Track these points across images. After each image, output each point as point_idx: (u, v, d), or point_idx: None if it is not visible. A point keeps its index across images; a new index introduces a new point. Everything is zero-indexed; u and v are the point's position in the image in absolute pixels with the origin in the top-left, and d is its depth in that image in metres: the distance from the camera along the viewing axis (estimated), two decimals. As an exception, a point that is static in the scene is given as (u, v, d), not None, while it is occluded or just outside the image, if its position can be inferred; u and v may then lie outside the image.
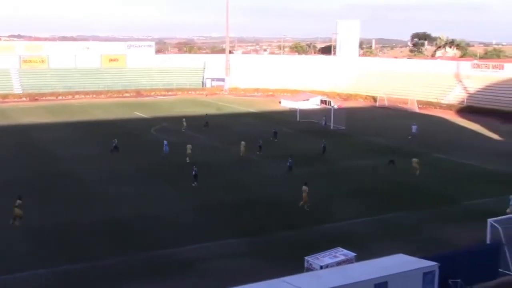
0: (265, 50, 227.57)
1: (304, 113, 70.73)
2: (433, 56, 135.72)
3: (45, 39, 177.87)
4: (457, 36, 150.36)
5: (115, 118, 70.39)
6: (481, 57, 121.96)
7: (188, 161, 44.56)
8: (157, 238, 28.40)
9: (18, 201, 30.17)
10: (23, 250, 26.80)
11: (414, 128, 58.41)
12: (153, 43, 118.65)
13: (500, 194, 35.70)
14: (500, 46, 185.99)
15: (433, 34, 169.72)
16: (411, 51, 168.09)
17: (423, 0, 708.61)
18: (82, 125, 64.88)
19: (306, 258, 21.88)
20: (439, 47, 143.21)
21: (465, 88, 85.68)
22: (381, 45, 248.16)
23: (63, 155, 47.91)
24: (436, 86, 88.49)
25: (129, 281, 23.54)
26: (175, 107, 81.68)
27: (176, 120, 66.71)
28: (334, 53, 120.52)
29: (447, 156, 47.45)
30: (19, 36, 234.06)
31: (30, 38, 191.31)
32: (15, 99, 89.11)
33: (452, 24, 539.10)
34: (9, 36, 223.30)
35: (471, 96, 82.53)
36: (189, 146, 46.72)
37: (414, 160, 42.12)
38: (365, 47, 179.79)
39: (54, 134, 58.00)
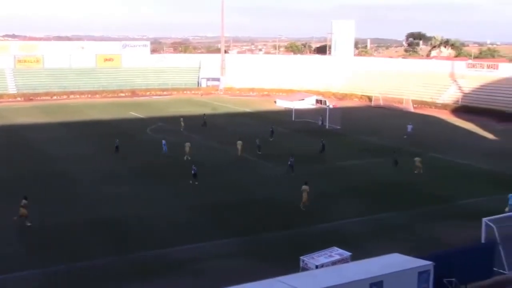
0: (260, 50, 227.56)
1: (300, 112, 70.75)
2: (428, 55, 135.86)
3: (40, 39, 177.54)
4: (452, 36, 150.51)
5: (110, 118, 70.27)
6: (475, 57, 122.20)
7: (187, 159, 44.74)
8: (152, 238, 28.38)
9: (24, 201, 30.09)
10: (18, 250, 26.76)
11: (409, 127, 58.53)
12: (148, 43, 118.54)
13: (495, 193, 35.90)
14: (495, 46, 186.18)
15: (428, 34, 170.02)
16: (406, 50, 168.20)
17: (418, 0, 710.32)
18: (77, 125, 64.75)
19: (301, 257, 21.89)
20: (434, 46, 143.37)
21: (460, 88, 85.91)
22: (376, 45, 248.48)
23: (58, 155, 47.82)
24: (431, 85, 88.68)
25: (124, 281, 23.52)
26: (171, 107, 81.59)
27: (171, 120, 66.72)
28: (329, 53, 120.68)
29: (442, 156, 47.58)
30: (13, 36, 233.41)
31: (24, 38, 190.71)
32: (10, 99, 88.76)
33: (447, 23, 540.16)
34: (3, 36, 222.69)
35: (466, 95, 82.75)
36: (187, 144, 46.85)
37: (417, 159, 42.05)
38: (360, 47, 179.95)
39: (49, 134, 57.87)
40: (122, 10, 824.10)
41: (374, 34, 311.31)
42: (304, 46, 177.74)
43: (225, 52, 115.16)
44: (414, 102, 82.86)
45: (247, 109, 79.78)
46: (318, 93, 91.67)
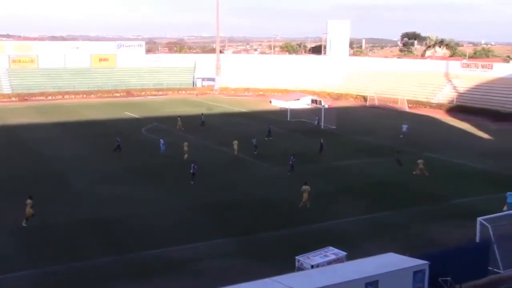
0: (255, 49, 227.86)
1: (295, 112, 70.80)
2: (422, 55, 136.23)
3: (35, 39, 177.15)
4: (447, 36, 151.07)
5: (105, 118, 70.17)
6: (470, 57, 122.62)
7: (185, 158, 44.87)
8: (151, 237, 28.33)
9: (29, 201, 30.10)
10: (16, 250, 26.68)
11: (404, 127, 58.64)
12: (143, 43, 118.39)
13: (490, 193, 36.05)
14: (489, 45, 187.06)
15: (423, 34, 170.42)
16: (401, 50, 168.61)
17: (413, 0, 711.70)
18: (72, 125, 64.62)
19: (297, 257, 21.88)
20: (429, 46, 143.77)
21: (454, 88, 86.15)
22: (371, 45, 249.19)
23: (53, 155, 47.70)
24: (426, 85, 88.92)
25: (120, 281, 23.47)
26: (166, 107, 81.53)
27: (166, 120, 66.70)
28: (325, 53, 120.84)
29: (437, 155, 47.67)
30: (8, 36, 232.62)
31: (19, 38, 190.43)
32: (4, 99, 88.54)
33: (442, 23, 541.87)
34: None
35: (460, 95, 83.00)
36: (185, 144, 46.92)
37: (421, 161, 41.74)
38: (355, 47, 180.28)
39: (44, 134, 57.73)
40: (117, 10, 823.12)
41: (369, 34, 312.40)
42: (299, 46, 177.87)
43: (220, 52, 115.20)
44: (409, 102, 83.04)
45: (243, 109, 79.77)
46: (313, 93, 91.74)
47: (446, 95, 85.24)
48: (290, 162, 42.16)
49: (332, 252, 22.46)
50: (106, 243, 27.88)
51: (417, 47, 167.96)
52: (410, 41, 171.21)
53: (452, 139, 58.07)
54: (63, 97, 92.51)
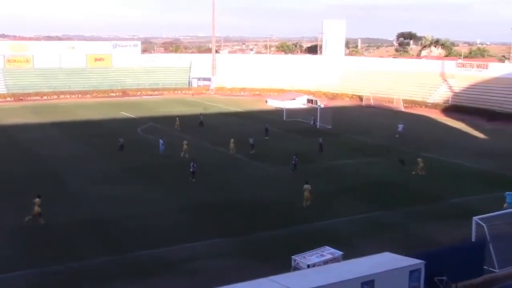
0: (251, 49, 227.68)
1: (291, 112, 70.81)
2: (418, 55, 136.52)
3: (30, 38, 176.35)
4: (442, 36, 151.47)
5: (101, 118, 70.02)
6: (465, 57, 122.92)
7: (183, 156, 45.08)
8: (147, 237, 28.29)
9: (37, 199, 30.17)
10: (10, 250, 26.57)
11: (400, 127, 58.66)
12: (139, 43, 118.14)
13: (485, 192, 36.14)
14: (485, 45, 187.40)
15: (419, 34, 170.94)
16: (396, 50, 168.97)
17: (408, 0, 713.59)
18: (67, 125, 64.42)
19: (293, 257, 21.89)
20: (424, 46, 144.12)
21: (450, 87, 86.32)
22: (366, 45, 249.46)
23: (49, 156, 47.55)
24: (422, 85, 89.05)
25: (118, 281, 23.44)
26: (162, 107, 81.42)
27: (162, 120, 66.63)
28: (320, 53, 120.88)
29: (433, 155, 47.69)
30: (3, 36, 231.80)
31: (14, 38, 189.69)
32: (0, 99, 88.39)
33: (437, 23, 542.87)
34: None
35: (456, 95, 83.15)
36: (185, 142, 47.08)
37: (420, 159, 41.71)
38: (351, 47, 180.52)
39: (39, 135, 57.55)
40: (112, 10, 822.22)
41: (365, 34, 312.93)
42: (295, 46, 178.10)
43: (216, 52, 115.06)
44: (405, 101, 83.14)
45: (239, 109, 79.73)
46: (309, 92, 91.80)
47: (441, 94, 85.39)
48: (293, 162, 42.16)
49: (328, 252, 22.49)
50: (104, 243, 27.83)
51: (413, 47, 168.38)
52: (405, 41, 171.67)
53: (447, 138, 58.15)
54: (59, 97, 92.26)
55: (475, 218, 24.02)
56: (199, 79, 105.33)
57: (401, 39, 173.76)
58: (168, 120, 65.78)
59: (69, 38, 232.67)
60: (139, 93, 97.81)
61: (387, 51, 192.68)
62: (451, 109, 78.30)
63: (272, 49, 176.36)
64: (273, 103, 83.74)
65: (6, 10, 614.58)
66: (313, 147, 49.68)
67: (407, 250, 21.15)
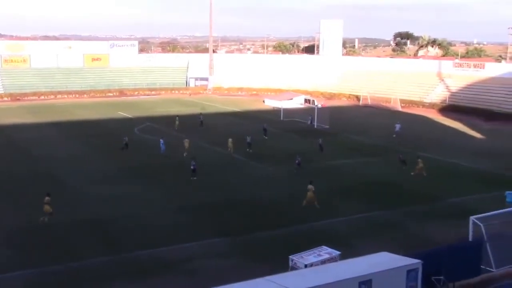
0: (248, 49, 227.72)
1: (288, 112, 70.88)
2: (415, 55, 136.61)
3: (27, 38, 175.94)
4: (439, 36, 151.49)
5: (98, 118, 70.00)
6: (462, 56, 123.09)
7: (186, 155, 45.56)
8: (146, 237, 28.33)
9: (47, 198, 30.34)
10: (7, 251, 26.58)
11: (397, 127, 58.77)
12: (136, 43, 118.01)
13: (483, 192, 36.28)
14: (481, 45, 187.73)
15: (416, 34, 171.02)
16: (393, 50, 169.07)
17: (405, 0, 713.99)
18: (65, 125, 64.40)
19: (290, 257, 21.95)
20: (422, 46, 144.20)
21: (447, 87, 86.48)
22: (364, 44, 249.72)
23: (47, 156, 47.54)
24: (419, 85, 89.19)
25: (117, 281, 23.49)
26: (159, 106, 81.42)
27: (159, 120, 66.65)
28: (318, 53, 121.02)
29: (431, 155, 47.79)
30: (0, 35, 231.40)
31: (11, 38, 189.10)
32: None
33: (434, 23, 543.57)
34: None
35: (453, 95, 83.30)
36: (186, 141, 47.40)
37: (420, 160, 41.60)
38: (348, 47, 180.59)
39: (36, 134, 57.53)
40: (109, 10, 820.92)
41: (362, 33, 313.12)
42: (292, 46, 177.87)
43: (214, 51, 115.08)
44: (402, 101, 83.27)
45: (236, 109, 79.77)
46: (306, 92, 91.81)
47: (438, 94, 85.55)
48: (297, 161, 42.31)
49: (325, 252, 22.54)
50: (103, 243, 27.87)
51: (410, 46, 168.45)
52: (402, 41, 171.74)
53: (445, 138, 58.28)
54: (56, 97, 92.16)
55: (472, 217, 24.14)
56: (196, 79, 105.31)
57: (398, 39, 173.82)
58: (165, 120, 65.82)
59: (66, 38, 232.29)
60: (136, 93, 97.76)
61: (384, 51, 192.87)
62: (448, 109, 78.46)
63: (270, 49, 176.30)
64: (271, 103, 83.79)
65: (3, 9, 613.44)
66: (312, 147, 49.73)
67: (405, 250, 21.23)
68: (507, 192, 32.70)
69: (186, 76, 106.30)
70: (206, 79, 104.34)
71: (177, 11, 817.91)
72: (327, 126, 62.78)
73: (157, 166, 43.58)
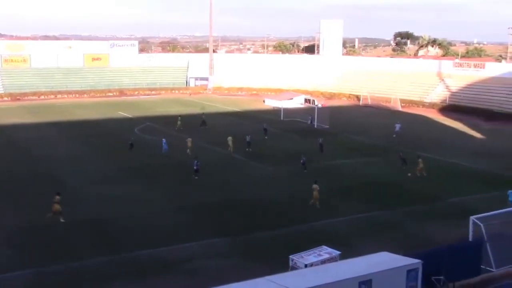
0: (248, 49, 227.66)
1: (288, 112, 70.87)
2: (415, 55, 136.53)
3: (27, 38, 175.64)
4: (439, 35, 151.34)
5: (98, 118, 70.00)
6: (462, 56, 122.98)
7: (189, 153, 45.90)
8: (146, 237, 28.34)
9: (57, 197, 30.40)
10: (7, 251, 26.58)
11: (397, 126, 58.75)
12: (136, 42, 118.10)
13: (483, 192, 36.29)
14: (482, 45, 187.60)
15: (416, 33, 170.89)
16: (394, 50, 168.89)
17: (405, 0, 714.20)
18: (65, 125, 64.40)
19: (290, 256, 21.96)
20: (422, 46, 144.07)
21: (447, 87, 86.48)
22: (364, 44, 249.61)
23: (47, 156, 47.53)
24: (419, 85, 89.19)
25: (117, 281, 23.49)
26: (159, 106, 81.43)
27: (159, 120, 66.65)
28: (318, 52, 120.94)
29: (431, 155, 47.77)
30: (0, 35, 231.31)
31: (11, 37, 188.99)
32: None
33: (434, 23, 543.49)
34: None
35: (453, 94, 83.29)
36: (189, 140, 47.70)
37: (420, 160, 41.44)
38: (348, 46, 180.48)
39: (36, 134, 57.51)
40: (109, 10, 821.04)
41: (362, 33, 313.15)
42: (293, 46, 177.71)
43: (214, 51, 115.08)
44: (402, 101, 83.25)
45: (236, 109, 79.77)
46: (306, 92, 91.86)
47: (438, 94, 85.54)
48: (302, 161, 42.33)
49: (325, 252, 22.55)
50: (103, 243, 27.85)
51: (410, 46, 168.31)
52: (403, 41, 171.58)
53: (445, 138, 58.27)
54: (56, 96, 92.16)
55: (472, 217, 24.14)
56: (196, 78, 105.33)
57: (398, 38, 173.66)
58: (165, 120, 65.83)
59: (66, 37, 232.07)
60: (136, 92, 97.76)
61: (384, 51, 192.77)
62: (449, 109, 78.45)
63: (270, 48, 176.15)
64: (271, 103, 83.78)
65: (3, 9, 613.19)
66: (312, 147, 49.71)
67: (405, 250, 21.23)
68: (510, 191, 32.72)
69: (186, 76, 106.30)
70: (206, 79, 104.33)
71: (177, 11, 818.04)
72: (327, 126, 62.77)
73: (157, 166, 43.58)
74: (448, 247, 22.43)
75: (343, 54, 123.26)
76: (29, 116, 71.42)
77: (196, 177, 39.41)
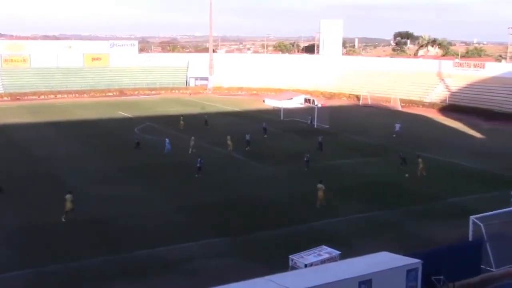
0: (248, 49, 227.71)
1: (288, 112, 70.86)
2: (415, 55, 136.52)
3: (27, 38, 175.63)
4: (439, 35, 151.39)
5: (98, 118, 70.00)
6: (462, 56, 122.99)
7: (191, 152, 46.57)
8: (146, 237, 28.33)
9: (68, 195, 30.52)
10: (7, 250, 26.59)
11: (397, 126, 58.75)
12: (136, 42, 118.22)
13: (483, 191, 36.28)
14: (481, 45, 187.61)
15: (416, 33, 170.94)
16: (393, 50, 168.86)
17: (405, 0, 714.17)
18: (65, 125, 64.41)
19: (290, 256, 21.94)
20: (422, 46, 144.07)
21: (447, 87, 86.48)
22: (364, 44, 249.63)
23: (46, 156, 47.53)
24: (419, 84, 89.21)
25: (117, 281, 23.49)
26: (159, 106, 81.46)
27: (159, 119, 66.66)
28: (318, 52, 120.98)
29: (430, 155, 47.76)
30: (0, 35, 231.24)
31: (11, 37, 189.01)
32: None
33: (434, 23, 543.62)
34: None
35: (453, 94, 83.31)
36: (192, 138, 48.12)
37: (420, 160, 41.31)
38: (348, 46, 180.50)
39: (36, 134, 57.52)
40: (109, 10, 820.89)
41: (362, 33, 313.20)
42: (293, 46, 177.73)
43: (214, 51, 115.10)
44: (402, 101, 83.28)
45: (236, 109, 79.77)
46: (306, 92, 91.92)
47: (438, 94, 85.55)
48: (305, 159, 42.45)
49: (325, 251, 22.53)
50: (103, 243, 27.85)
51: (410, 46, 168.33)
52: (402, 41, 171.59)
53: (445, 138, 58.26)
54: (56, 96, 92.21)
55: (472, 217, 24.14)
56: (196, 78, 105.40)
57: (398, 38, 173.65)
58: (165, 120, 65.84)
59: (66, 37, 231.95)
60: (136, 92, 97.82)
61: (384, 51, 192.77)
62: (448, 109, 78.46)
63: (270, 48, 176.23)
64: (271, 103, 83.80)
65: (3, 9, 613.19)
66: (312, 146, 49.70)
67: (405, 250, 21.23)
68: None
69: (186, 76, 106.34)
70: (206, 79, 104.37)
71: (177, 11, 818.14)
72: (327, 126, 62.75)
73: (157, 166, 43.58)
74: (448, 247, 22.43)
75: (343, 54, 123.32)
76: (29, 116, 71.43)
77: (198, 175, 39.57)
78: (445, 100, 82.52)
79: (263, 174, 41.75)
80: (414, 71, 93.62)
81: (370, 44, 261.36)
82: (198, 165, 40.28)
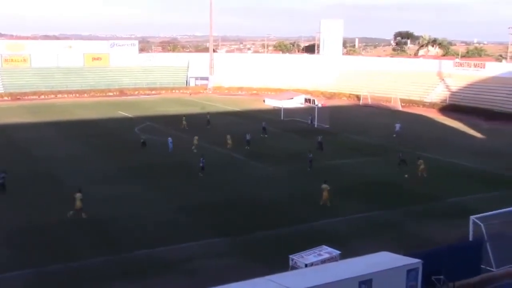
0: (249, 49, 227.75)
1: (288, 111, 70.85)
2: (415, 55, 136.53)
3: (27, 38, 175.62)
4: (440, 35, 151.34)
5: (98, 118, 69.98)
6: (463, 56, 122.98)
7: (195, 151, 46.84)
8: (146, 237, 28.33)
9: (78, 194, 30.63)
10: (6, 250, 26.59)
11: (397, 126, 58.72)
12: (136, 42, 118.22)
13: (483, 191, 36.27)
14: (482, 45, 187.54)
15: (416, 33, 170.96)
16: (394, 49, 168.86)
17: (405, 0, 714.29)
18: (65, 125, 64.40)
19: (291, 256, 21.94)
20: (422, 46, 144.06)
21: (447, 87, 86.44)
22: (364, 44, 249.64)
23: (46, 155, 47.51)
24: (419, 84, 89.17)
25: (117, 281, 23.48)
26: (159, 106, 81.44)
27: (159, 119, 66.64)
28: (318, 52, 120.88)
29: (431, 154, 47.76)
30: (0, 35, 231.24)
31: (11, 37, 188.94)
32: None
33: (435, 23, 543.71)
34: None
35: (453, 94, 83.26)
36: (195, 138, 48.63)
37: (421, 161, 41.22)
38: (349, 46, 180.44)
39: (36, 134, 57.51)
40: (110, 9, 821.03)
41: (362, 33, 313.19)
42: (293, 45, 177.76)
43: (214, 51, 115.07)
44: (402, 101, 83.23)
45: (236, 108, 79.75)
46: (306, 92, 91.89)
47: (439, 94, 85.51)
48: (309, 159, 42.57)
49: (326, 251, 22.52)
50: (103, 243, 27.83)
51: (410, 46, 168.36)
52: (403, 40, 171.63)
53: (445, 138, 58.23)
54: (56, 96, 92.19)
55: (472, 217, 24.14)
56: (196, 78, 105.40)
57: (399, 38, 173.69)
58: (165, 120, 65.84)
59: (66, 37, 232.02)
60: (136, 92, 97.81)
61: (384, 51, 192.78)
62: (449, 109, 78.42)
63: (270, 48, 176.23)
64: (271, 103, 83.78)
65: (3, 9, 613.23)
66: (313, 146, 49.67)
67: (405, 250, 21.23)
68: None
69: (187, 76, 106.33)
70: (207, 79, 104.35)
71: (177, 11, 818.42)
72: (327, 126, 62.73)
73: (157, 166, 43.57)
74: (448, 247, 22.43)
75: (343, 54, 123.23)
76: (29, 115, 71.42)
77: (202, 175, 39.83)
78: (445, 100, 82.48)
79: (263, 174, 41.74)
80: (414, 71, 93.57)
81: (370, 44, 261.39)
82: (201, 164, 40.45)
